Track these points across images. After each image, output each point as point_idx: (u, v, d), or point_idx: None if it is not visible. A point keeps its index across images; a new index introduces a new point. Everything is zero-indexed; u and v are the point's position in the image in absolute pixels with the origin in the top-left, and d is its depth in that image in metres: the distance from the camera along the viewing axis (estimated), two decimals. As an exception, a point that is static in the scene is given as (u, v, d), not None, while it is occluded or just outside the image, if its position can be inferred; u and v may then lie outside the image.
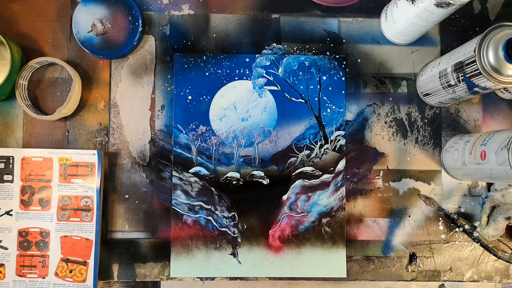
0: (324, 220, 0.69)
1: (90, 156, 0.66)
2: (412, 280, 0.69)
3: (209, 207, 0.68)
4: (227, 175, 0.69)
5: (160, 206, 0.68)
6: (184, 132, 0.69)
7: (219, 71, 0.69)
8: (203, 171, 0.69)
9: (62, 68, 0.69)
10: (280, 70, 0.70)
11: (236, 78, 0.70)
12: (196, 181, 0.69)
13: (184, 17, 0.70)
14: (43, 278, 0.66)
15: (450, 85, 0.60)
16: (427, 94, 0.67)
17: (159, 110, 0.69)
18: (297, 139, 0.69)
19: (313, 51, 0.70)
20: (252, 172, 0.69)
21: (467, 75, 0.56)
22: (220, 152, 0.69)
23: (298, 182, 0.69)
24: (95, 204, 0.66)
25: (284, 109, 0.69)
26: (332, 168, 0.69)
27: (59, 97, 0.69)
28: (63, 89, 0.69)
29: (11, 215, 0.66)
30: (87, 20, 0.67)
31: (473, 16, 0.71)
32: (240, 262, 0.68)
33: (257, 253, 0.68)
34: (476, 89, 0.57)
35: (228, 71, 0.69)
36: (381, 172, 0.69)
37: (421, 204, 0.69)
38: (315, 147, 0.69)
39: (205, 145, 0.69)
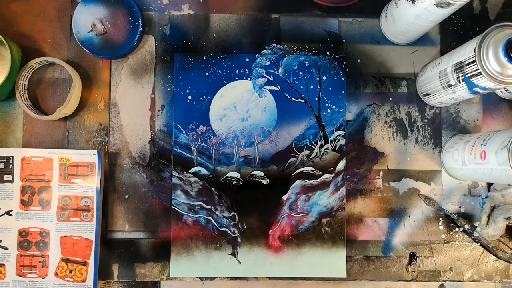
0: (324, 220, 0.69)
1: (90, 156, 0.66)
2: (412, 280, 0.69)
3: (209, 207, 0.68)
4: (227, 175, 0.69)
5: (160, 206, 0.68)
6: (184, 132, 0.69)
7: (219, 71, 0.69)
8: (203, 171, 0.69)
9: (62, 68, 0.69)
10: (280, 70, 0.70)
11: (236, 78, 0.70)
12: (196, 181, 0.69)
13: (184, 17, 0.70)
14: (43, 278, 0.66)
15: (450, 85, 0.60)
16: (427, 94, 0.67)
17: (159, 110, 0.69)
18: (297, 139, 0.69)
19: (313, 51, 0.70)
20: (252, 172, 0.69)
21: (467, 75, 0.56)
22: (220, 152, 0.69)
23: (298, 182, 0.69)
24: (95, 204, 0.66)
25: (284, 109, 0.69)
26: (332, 168, 0.69)
27: (59, 97, 0.69)
28: (63, 89, 0.69)
29: (11, 215, 0.66)
30: (87, 20, 0.67)
31: (473, 16, 0.71)
32: (240, 262, 0.68)
33: (257, 253, 0.68)
34: (476, 89, 0.57)
35: (228, 71, 0.69)
36: (381, 172, 0.69)
37: (421, 204, 0.69)
38: (315, 147, 0.69)
39: (205, 145, 0.69)
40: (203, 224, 0.68)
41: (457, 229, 0.69)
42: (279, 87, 0.70)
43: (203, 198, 0.68)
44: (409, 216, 0.69)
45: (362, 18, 0.71)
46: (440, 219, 0.69)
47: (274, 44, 0.70)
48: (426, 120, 0.70)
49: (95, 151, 0.66)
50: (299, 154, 0.69)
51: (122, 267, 0.68)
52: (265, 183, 0.69)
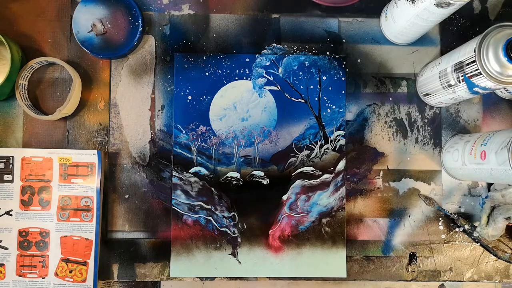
0: (324, 220, 0.69)
1: (90, 156, 0.66)
2: (412, 280, 0.69)
3: (209, 207, 0.68)
4: (227, 175, 0.69)
5: (160, 206, 0.68)
6: (184, 132, 0.69)
7: (219, 71, 0.69)
8: (203, 171, 0.69)
9: (62, 68, 0.69)
10: (280, 70, 0.70)
11: (236, 78, 0.70)
12: (196, 181, 0.69)
13: (184, 17, 0.70)
14: (43, 278, 0.66)
15: (450, 85, 0.60)
16: (427, 94, 0.67)
17: (159, 110, 0.69)
18: (297, 139, 0.69)
19: (313, 51, 0.70)
20: (252, 172, 0.69)
21: (467, 75, 0.56)
22: (220, 152, 0.69)
23: (298, 182, 0.69)
24: (95, 204, 0.66)
25: (284, 109, 0.69)
26: (332, 168, 0.69)
27: (59, 97, 0.69)
28: (63, 89, 0.69)
29: (11, 215, 0.66)
30: (87, 20, 0.67)
31: (473, 16, 0.71)
32: (240, 262, 0.68)
33: (257, 253, 0.68)
34: (476, 89, 0.57)
35: (228, 71, 0.69)
36: (381, 172, 0.69)
37: (421, 204, 0.69)
38: (315, 147, 0.69)
39: (205, 145, 0.69)
40: (203, 224, 0.68)
41: (457, 229, 0.69)
42: (279, 87, 0.70)
43: (203, 198, 0.68)
44: (409, 216, 0.69)
45: (362, 18, 0.71)
46: (440, 219, 0.69)
47: (274, 44, 0.70)
48: (426, 120, 0.70)
49: (95, 151, 0.66)
50: (299, 154, 0.69)
51: (122, 267, 0.68)
52: (265, 183, 0.69)
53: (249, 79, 0.70)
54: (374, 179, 0.69)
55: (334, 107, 0.70)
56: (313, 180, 0.69)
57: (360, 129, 0.70)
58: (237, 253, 0.68)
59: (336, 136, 0.69)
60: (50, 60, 0.67)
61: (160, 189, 0.68)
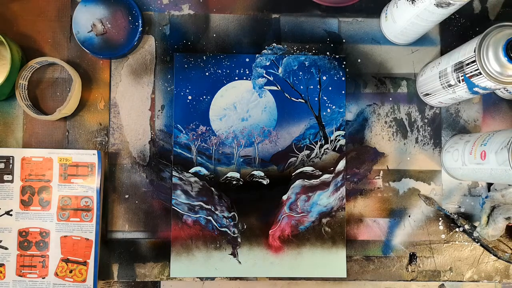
0: (324, 220, 0.69)
1: (90, 156, 0.66)
2: (412, 280, 0.69)
3: (209, 207, 0.68)
4: (227, 175, 0.69)
5: (160, 206, 0.68)
6: (184, 132, 0.69)
7: (219, 71, 0.69)
8: (203, 171, 0.69)
9: (62, 68, 0.69)
10: (280, 70, 0.70)
11: (236, 78, 0.70)
12: (196, 181, 0.69)
13: (184, 17, 0.70)
14: (43, 278, 0.66)
15: (450, 85, 0.60)
16: (427, 94, 0.67)
17: (159, 110, 0.69)
18: (297, 139, 0.69)
19: (313, 51, 0.70)
20: (252, 172, 0.69)
21: (467, 75, 0.56)
22: (220, 152, 0.69)
23: (298, 182, 0.69)
24: (95, 204, 0.66)
25: (284, 109, 0.69)
26: (332, 168, 0.69)
27: (59, 97, 0.69)
28: (63, 89, 0.69)
29: (11, 215, 0.66)
30: (87, 20, 0.67)
31: (473, 16, 0.71)
32: (240, 262, 0.68)
33: (257, 253, 0.68)
34: (476, 89, 0.57)
35: (228, 71, 0.69)
36: (381, 172, 0.69)
37: (421, 204, 0.69)
38: (315, 147, 0.69)
39: (205, 145, 0.69)
40: (203, 224, 0.68)
41: (457, 229, 0.69)
42: (279, 87, 0.70)
43: (203, 198, 0.68)
44: (409, 216, 0.69)
45: (362, 18, 0.71)
46: (440, 219, 0.69)
47: (274, 44, 0.70)
48: (426, 120, 0.70)
49: (95, 151, 0.66)
50: (299, 154, 0.69)
51: (122, 267, 0.68)
52: (265, 183, 0.69)
53: (249, 79, 0.70)
54: (374, 179, 0.69)
55: (334, 107, 0.70)
56: (313, 180, 0.69)
57: (360, 129, 0.70)
58: (237, 253, 0.68)
59: (336, 136, 0.69)
60: (50, 60, 0.67)
61: (160, 189, 0.68)
